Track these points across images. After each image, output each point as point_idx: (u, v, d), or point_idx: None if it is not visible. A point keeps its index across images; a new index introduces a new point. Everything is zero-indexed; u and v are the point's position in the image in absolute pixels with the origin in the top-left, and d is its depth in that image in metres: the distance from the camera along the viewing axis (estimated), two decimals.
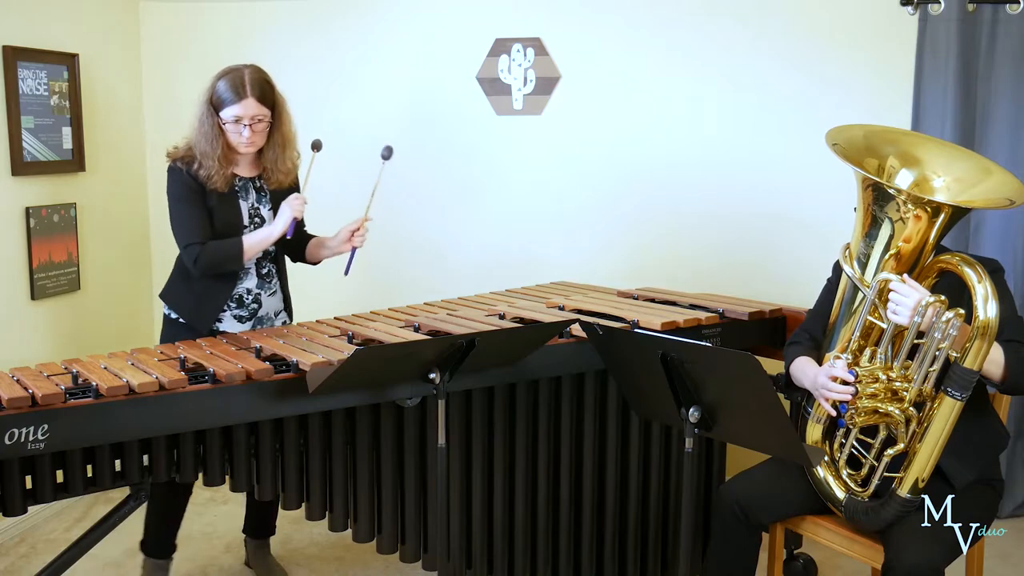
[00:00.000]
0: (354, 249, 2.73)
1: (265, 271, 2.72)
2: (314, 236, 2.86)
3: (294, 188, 2.77)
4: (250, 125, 2.55)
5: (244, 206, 2.65)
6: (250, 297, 2.69)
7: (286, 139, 2.67)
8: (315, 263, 2.87)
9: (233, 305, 2.67)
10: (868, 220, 2.15)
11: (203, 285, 2.61)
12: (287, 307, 2.84)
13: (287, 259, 2.87)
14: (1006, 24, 3.15)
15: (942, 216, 2.05)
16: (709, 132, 3.59)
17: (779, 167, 3.52)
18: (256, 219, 2.67)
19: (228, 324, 2.67)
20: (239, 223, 2.63)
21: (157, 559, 2.83)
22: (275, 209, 2.68)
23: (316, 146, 2.74)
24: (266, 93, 2.59)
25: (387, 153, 2.77)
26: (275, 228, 2.59)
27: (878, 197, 2.11)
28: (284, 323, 2.82)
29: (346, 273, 2.73)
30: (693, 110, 3.59)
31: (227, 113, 2.54)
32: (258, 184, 2.69)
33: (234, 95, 2.53)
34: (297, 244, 2.82)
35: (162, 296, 2.72)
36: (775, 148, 3.52)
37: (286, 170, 2.69)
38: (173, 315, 2.68)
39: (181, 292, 2.66)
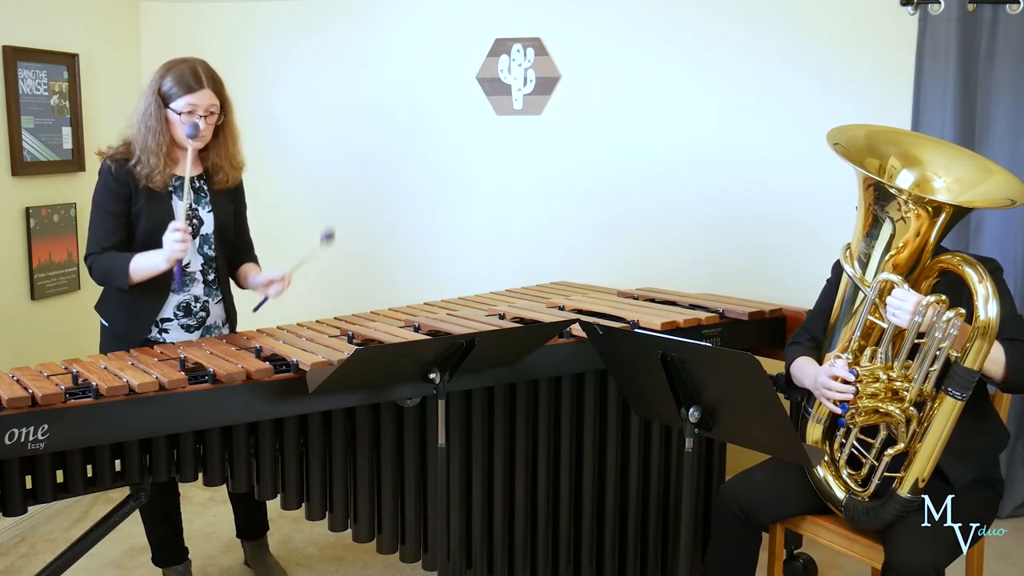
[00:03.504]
0: (267, 296, 2.62)
1: (211, 278, 2.64)
2: (251, 263, 2.75)
3: (239, 189, 2.69)
4: (204, 117, 2.46)
5: (179, 206, 2.52)
6: (198, 305, 2.62)
7: (235, 135, 2.60)
8: (241, 287, 2.77)
9: (180, 314, 2.60)
10: (869, 220, 2.15)
11: (133, 298, 2.52)
12: (231, 317, 2.74)
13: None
14: (1006, 24, 3.15)
15: (943, 216, 2.05)
16: (709, 132, 3.59)
17: (779, 167, 3.52)
18: (194, 220, 2.57)
19: (176, 334, 2.60)
20: (170, 223, 2.47)
21: (173, 566, 2.84)
22: (215, 211, 2.59)
23: (329, 236, 2.57)
24: (218, 85, 2.51)
25: (326, 238, 2.57)
26: (160, 263, 2.42)
27: (879, 197, 2.11)
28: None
29: (254, 310, 2.63)
30: (693, 110, 3.59)
31: (180, 103, 2.43)
32: (197, 184, 2.59)
33: (189, 86, 2.44)
34: (234, 260, 2.75)
35: (97, 308, 2.64)
36: (775, 148, 3.52)
37: (237, 164, 2.63)
38: (107, 325, 2.62)
39: (113, 304, 2.58)
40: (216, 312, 2.68)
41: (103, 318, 2.63)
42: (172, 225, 2.42)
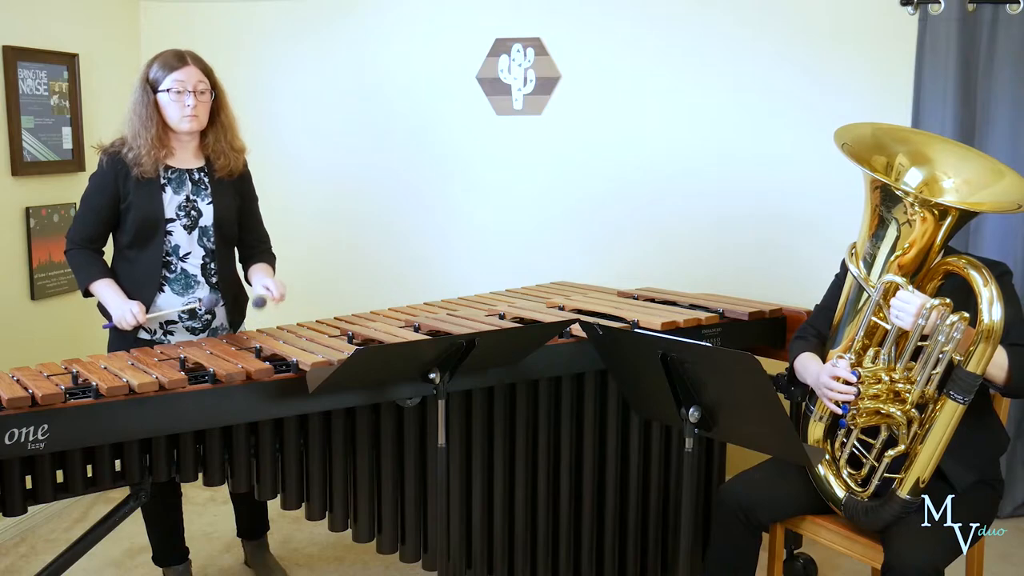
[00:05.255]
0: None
1: (215, 280, 2.64)
2: (263, 263, 2.74)
3: (245, 176, 2.69)
4: (194, 93, 2.47)
5: (173, 199, 2.54)
6: (203, 308, 2.62)
7: (231, 119, 2.62)
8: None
9: (185, 317, 2.60)
10: (875, 221, 2.14)
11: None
12: (237, 319, 2.74)
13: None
14: (1006, 24, 3.15)
15: (949, 219, 2.04)
16: (709, 132, 3.59)
17: (779, 167, 3.52)
18: (192, 212, 2.57)
19: (181, 337, 2.60)
20: (159, 216, 2.52)
21: (173, 566, 2.83)
22: (216, 202, 2.59)
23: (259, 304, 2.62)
24: (206, 67, 2.54)
25: (259, 302, 2.61)
26: (112, 310, 2.49)
27: (886, 198, 2.10)
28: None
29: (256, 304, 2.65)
30: (693, 110, 3.59)
31: (168, 81, 2.46)
32: (197, 176, 2.59)
33: (173, 65, 2.47)
34: (245, 255, 2.76)
35: (98, 306, 2.63)
36: (775, 148, 3.52)
37: (238, 148, 2.63)
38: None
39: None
40: (221, 314, 2.68)
41: (104, 316, 2.63)
42: (137, 311, 2.45)
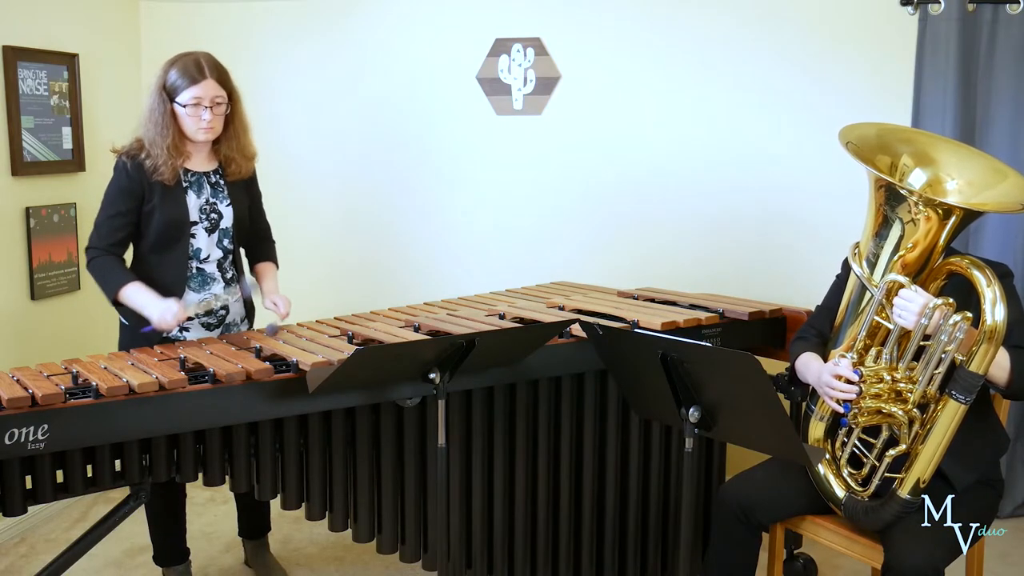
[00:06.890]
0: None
1: (229, 275, 2.66)
2: (268, 262, 2.79)
3: (254, 176, 2.72)
4: (210, 107, 2.48)
5: (195, 202, 2.55)
6: (218, 303, 2.63)
7: (245, 125, 2.62)
8: None
9: (201, 313, 2.61)
10: (879, 220, 2.14)
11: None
12: (250, 313, 2.78)
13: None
14: (1006, 24, 3.15)
15: (953, 218, 2.04)
16: (709, 132, 3.59)
17: (779, 167, 3.52)
18: (212, 215, 2.59)
19: (196, 333, 2.61)
20: (185, 219, 2.53)
21: (174, 566, 2.83)
22: (234, 204, 2.62)
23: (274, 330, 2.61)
24: (223, 76, 2.52)
25: (271, 332, 2.59)
26: (150, 313, 2.43)
27: (890, 197, 2.10)
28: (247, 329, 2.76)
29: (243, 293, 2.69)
30: (693, 110, 3.59)
31: (186, 96, 2.45)
32: (214, 179, 2.61)
33: (192, 77, 2.45)
34: (251, 249, 2.78)
35: (121, 313, 2.62)
36: (775, 148, 3.52)
37: (250, 154, 2.64)
38: (127, 323, 2.61)
39: None
40: (235, 310, 2.70)
41: (122, 316, 2.61)
42: (176, 308, 2.43)
